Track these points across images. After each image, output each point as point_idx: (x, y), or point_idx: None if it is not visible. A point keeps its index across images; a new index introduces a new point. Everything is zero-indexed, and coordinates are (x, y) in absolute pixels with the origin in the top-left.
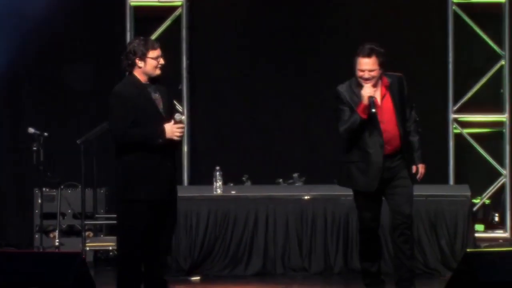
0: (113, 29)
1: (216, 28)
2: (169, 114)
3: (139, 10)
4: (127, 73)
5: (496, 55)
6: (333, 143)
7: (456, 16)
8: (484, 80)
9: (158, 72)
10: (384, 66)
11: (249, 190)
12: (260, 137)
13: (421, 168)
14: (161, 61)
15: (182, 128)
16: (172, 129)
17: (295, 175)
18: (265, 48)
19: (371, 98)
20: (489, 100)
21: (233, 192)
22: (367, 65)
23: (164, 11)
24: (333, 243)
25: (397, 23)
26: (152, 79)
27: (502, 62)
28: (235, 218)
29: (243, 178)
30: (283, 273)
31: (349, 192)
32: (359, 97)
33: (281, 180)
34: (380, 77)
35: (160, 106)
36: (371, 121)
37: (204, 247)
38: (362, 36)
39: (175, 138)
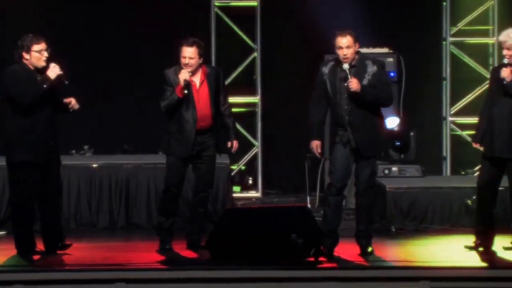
0: None
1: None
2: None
3: None
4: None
5: (250, 48)
6: (118, 118)
7: (218, 17)
8: (240, 69)
9: (42, 63)
10: (203, 56)
11: None
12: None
13: (235, 143)
14: (45, 54)
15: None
16: (52, 69)
17: (86, 146)
18: (71, 35)
19: (186, 81)
20: (244, 85)
21: None
22: (189, 53)
23: None
24: (117, 203)
25: (167, 24)
26: (39, 70)
27: (255, 54)
28: None
29: None
30: (75, 228)
31: (130, 161)
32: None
33: (74, 151)
34: (200, 66)
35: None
36: (188, 99)
37: (9, 207)
38: (142, 32)
39: (58, 72)
